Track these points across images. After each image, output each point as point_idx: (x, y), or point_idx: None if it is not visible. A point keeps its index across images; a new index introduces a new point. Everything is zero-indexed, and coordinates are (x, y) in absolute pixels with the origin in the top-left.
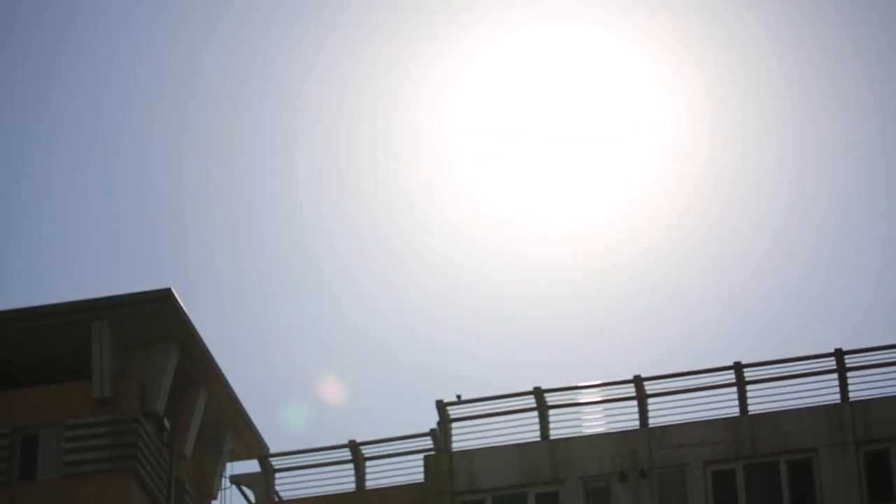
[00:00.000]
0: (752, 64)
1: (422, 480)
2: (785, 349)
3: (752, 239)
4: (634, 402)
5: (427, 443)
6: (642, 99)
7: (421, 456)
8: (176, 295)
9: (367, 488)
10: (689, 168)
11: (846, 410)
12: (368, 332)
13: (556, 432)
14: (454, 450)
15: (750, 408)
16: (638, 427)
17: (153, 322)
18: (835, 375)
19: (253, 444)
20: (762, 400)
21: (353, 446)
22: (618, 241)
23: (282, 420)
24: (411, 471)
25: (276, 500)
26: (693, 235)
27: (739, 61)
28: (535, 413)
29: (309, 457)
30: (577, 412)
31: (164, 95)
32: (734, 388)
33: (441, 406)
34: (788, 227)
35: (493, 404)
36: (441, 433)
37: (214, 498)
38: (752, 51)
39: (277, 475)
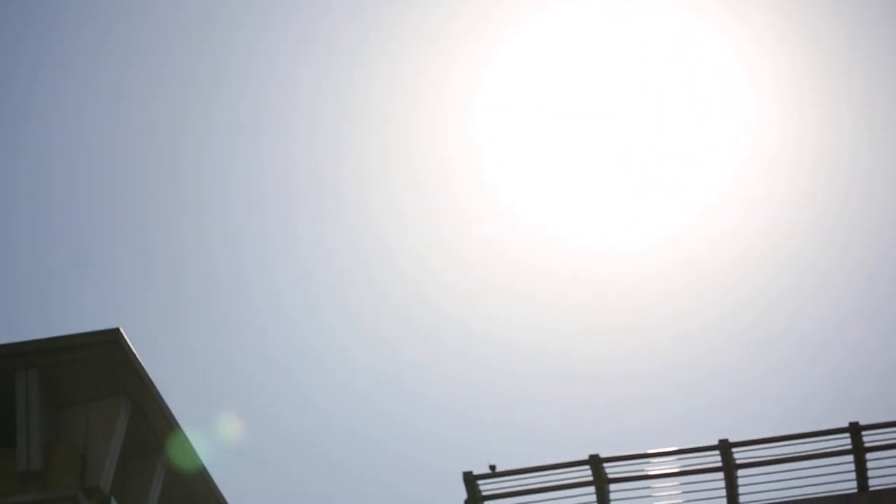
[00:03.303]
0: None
1: None
2: None
3: (869, 270)
4: (720, 474)
5: None
6: (719, 97)
7: None
8: (125, 337)
9: None
10: (774, 183)
11: None
12: (377, 388)
13: None
14: None
15: (871, 482)
16: None
17: (96, 372)
18: None
19: None
20: (886, 472)
21: None
22: (700, 272)
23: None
24: None
25: None
26: (788, 267)
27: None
28: (592, 488)
29: None
30: (646, 487)
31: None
32: (850, 457)
33: (470, 479)
34: None
35: (537, 477)
36: None
37: None
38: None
39: None
